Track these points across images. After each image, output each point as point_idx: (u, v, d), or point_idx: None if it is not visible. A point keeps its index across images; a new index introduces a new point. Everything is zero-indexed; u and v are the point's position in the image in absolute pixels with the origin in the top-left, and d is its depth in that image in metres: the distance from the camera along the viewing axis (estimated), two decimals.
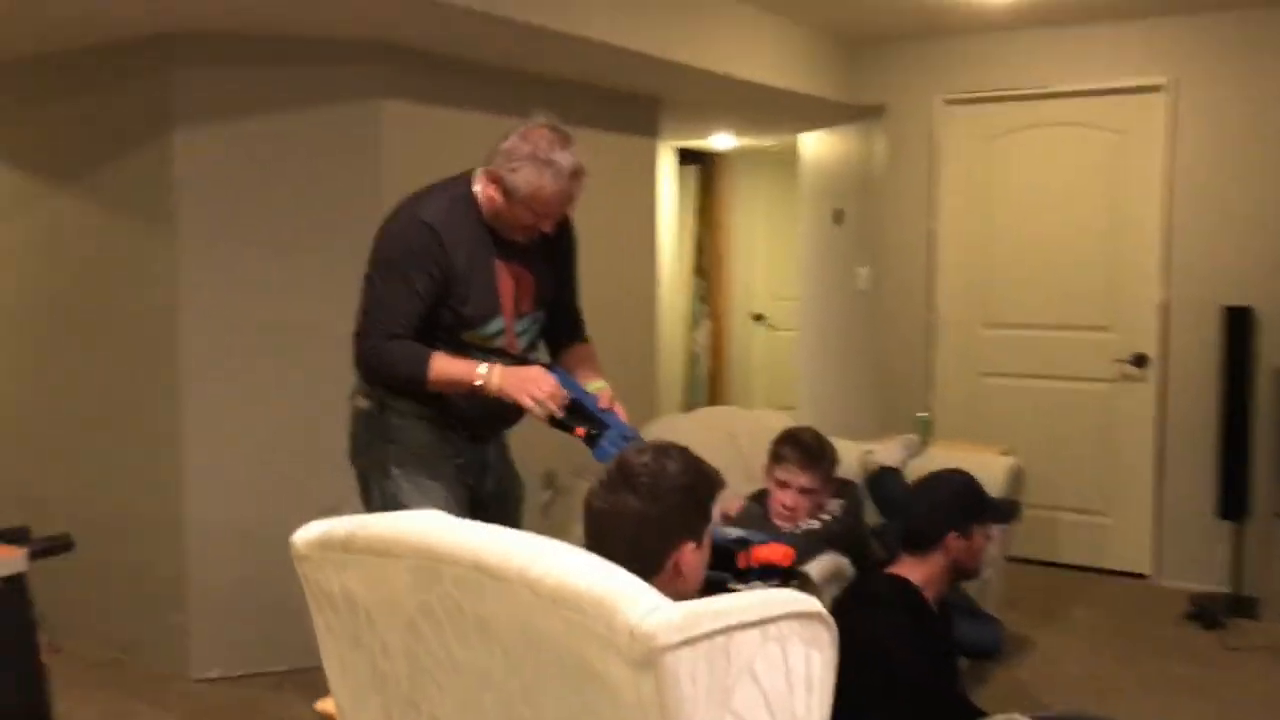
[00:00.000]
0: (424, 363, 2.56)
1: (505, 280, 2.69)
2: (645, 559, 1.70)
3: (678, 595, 1.30)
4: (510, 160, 2.56)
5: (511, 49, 4.10)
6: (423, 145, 3.91)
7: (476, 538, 1.41)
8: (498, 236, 2.66)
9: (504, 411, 2.68)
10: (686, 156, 8.09)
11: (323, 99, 3.84)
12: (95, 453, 4.11)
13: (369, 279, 2.63)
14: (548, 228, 2.66)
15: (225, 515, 3.84)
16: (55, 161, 4.09)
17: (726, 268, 8.44)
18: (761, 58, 4.96)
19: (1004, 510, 3.09)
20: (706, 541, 1.88)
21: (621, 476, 1.80)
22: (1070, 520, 5.24)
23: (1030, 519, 4.16)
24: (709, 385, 8.41)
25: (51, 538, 2.72)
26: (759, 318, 8.47)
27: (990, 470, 3.97)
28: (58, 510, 4.33)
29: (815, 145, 6.36)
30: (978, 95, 5.35)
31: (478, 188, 2.66)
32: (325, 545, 1.55)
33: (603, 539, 1.76)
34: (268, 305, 3.82)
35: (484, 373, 2.56)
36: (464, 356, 2.64)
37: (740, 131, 7.04)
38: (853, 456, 4.18)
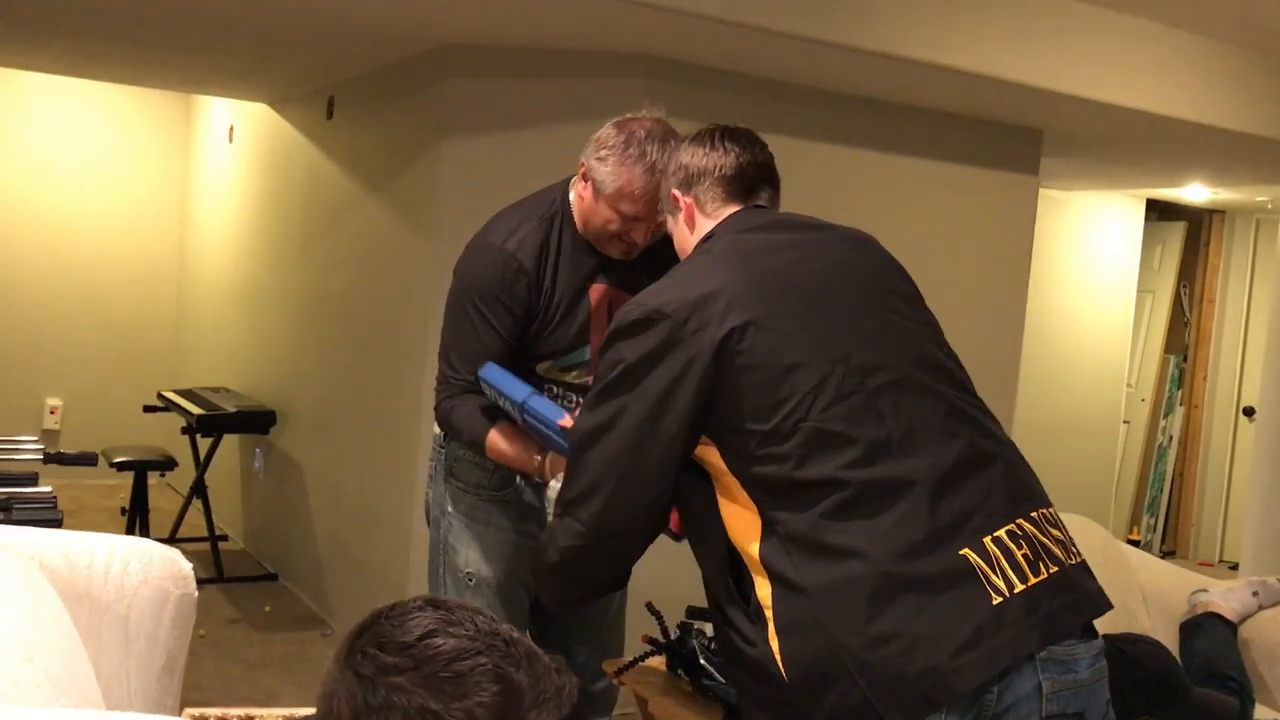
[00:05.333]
0: (484, 434, 2.24)
1: (601, 306, 2.29)
2: None
3: None
4: (599, 150, 2.19)
5: (819, 68, 3.66)
6: None
7: None
8: (598, 253, 2.28)
9: None
10: (1167, 212, 6.88)
11: (582, 112, 3.67)
12: (359, 447, 4.29)
13: (447, 319, 2.33)
14: (639, 238, 2.22)
15: None
16: (369, 170, 4.33)
17: (1212, 348, 7.04)
18: (1173, 84, 3.99)
19: (1205, 711, 2.14)
20: None
21: (353, 642, 1.10)
22: None
23: None
24: (1176, 481, 7.08)
25: None
26: (1249, 412, 6.95)
27: None
28: (325, 494, 4.62)
29: None
30: None
31: (573, 195, 2.30)
32: None
33: None
34: None
35: (539, 463, 2.20)
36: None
37: (1213, 181, 5.80)
38: (1179, 594, 3.21)
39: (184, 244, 6.60)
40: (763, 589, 1.46)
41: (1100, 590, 1.55)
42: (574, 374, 2.31)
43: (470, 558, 2.40)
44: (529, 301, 2.22)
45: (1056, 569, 1.47)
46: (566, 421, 1.98)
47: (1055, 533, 1.52)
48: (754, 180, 1.79)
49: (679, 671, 2.28)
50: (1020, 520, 1.48)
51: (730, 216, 1.76)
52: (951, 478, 1.47)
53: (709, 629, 2.33)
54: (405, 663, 1.04)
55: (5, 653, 1.14)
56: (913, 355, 1.60)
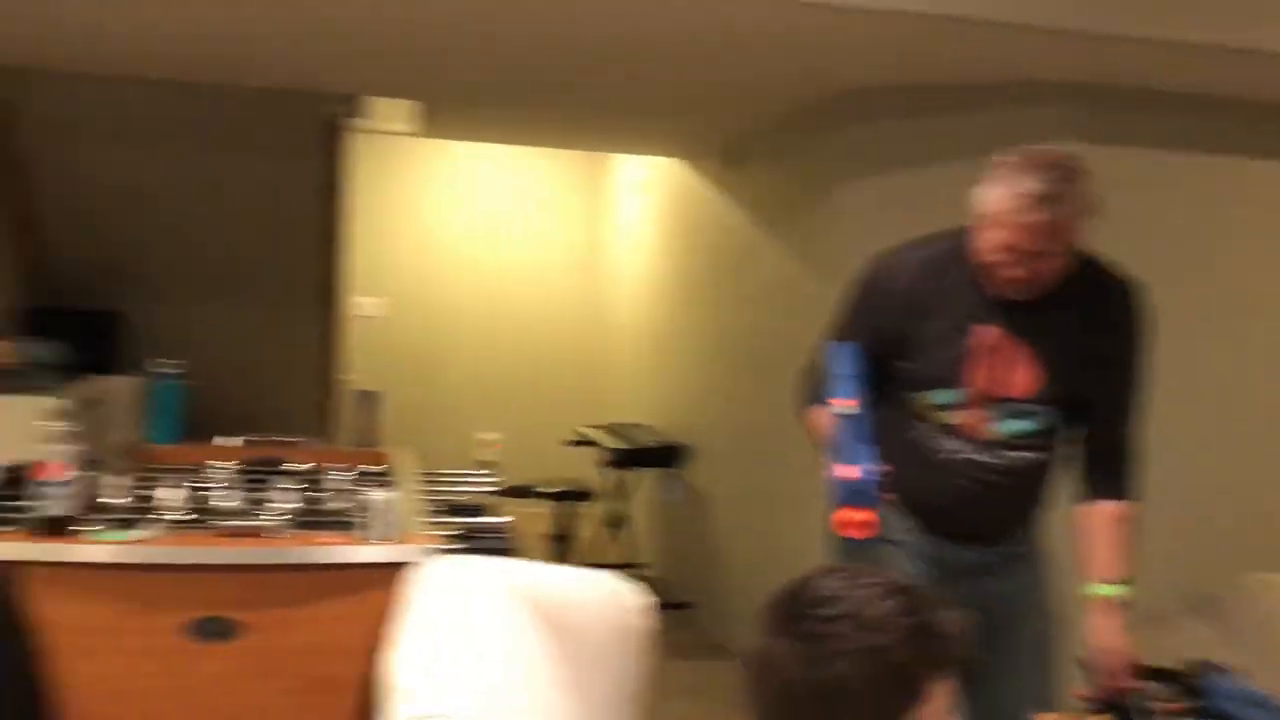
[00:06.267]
0: (809, 404, 2.36)
1: (983, 350, 2.24)
2: None
3: None
4: (986, 173, 2.21)
5: (1256, 79, 3.40)
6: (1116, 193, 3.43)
7: None
8: (1002, 300, 2.24)
9: (981, 504, 2.27)
10: None
11: (985, 146, 3.59)
12: (766, 480, 4.40)
13: None
14: (1021, 271, 2.16)
15: None
16: (770, 215, 4.46)
17: None
18: None
19: None
20: None
21: (784, 612, 1.20)
22: None
23: None
24: None
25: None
26: None
27: None
28: (735, 525, 4.71)
29: None
30: None
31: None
32: None
33: (753, 704, 1.21)
34: None
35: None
36: (911, 430, 2.29)
37: None
38: None
39: (600, 290, 7.10)
40: None
41: None
42: (943, 413, 2.26)
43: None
44: (886, 316, 2.28)
45: None
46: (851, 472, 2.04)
47: None
48: None
49: None
50: None
51: None
52: None
53: (1147, 688, 2.19)
54: (836, 613, 1.15)
55: (503, 678, 1.30)
56: None
